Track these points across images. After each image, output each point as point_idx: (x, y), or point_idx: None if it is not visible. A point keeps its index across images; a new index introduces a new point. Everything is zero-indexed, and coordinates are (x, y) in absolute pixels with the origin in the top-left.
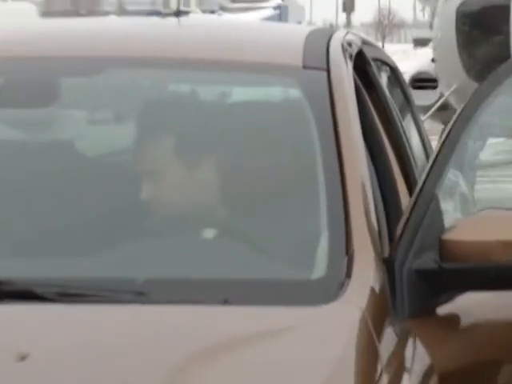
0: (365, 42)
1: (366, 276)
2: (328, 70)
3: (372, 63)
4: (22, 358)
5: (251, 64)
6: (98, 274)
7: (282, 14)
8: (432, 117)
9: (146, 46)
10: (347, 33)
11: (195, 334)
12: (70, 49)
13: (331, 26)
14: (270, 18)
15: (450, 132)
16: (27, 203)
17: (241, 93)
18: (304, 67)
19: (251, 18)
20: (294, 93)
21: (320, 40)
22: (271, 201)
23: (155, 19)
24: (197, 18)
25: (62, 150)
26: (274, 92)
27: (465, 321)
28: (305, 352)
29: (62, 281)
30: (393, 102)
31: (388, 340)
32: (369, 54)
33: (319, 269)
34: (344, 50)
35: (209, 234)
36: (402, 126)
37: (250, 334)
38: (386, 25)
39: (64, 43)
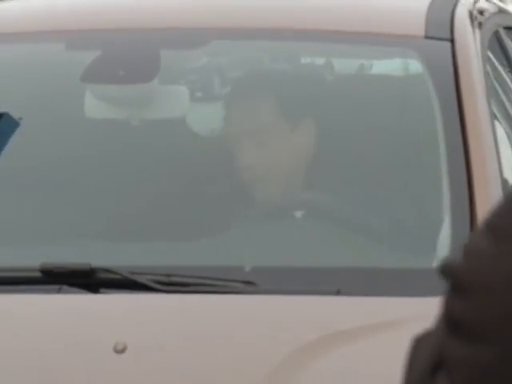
0: (500, 10)
1: None
2: (452, 40)
3: (506, 32)
4: (122, 349)
5: (369, 34)
6: (202, 261)
7: None
8: None
9: (250, 16)
10: None
11: (307, 326)
12: (169, 20)
13: None
14: None
15: None
16: (129, 186)
17: (358, 65)
18: (426, 37)
19: None
20: (415, 65)
21: (445, 7)
22: (388, 182)
23: None
24: None
25: (166, 127)
26: (394, 64)
27: None
28: None
29: (165, 269)
30: None
31: None
32: (504, 22)
33: (441, 256)
34: (472, 18)
35: (320, 219)
36: None
37: (366, 327)
38: None
39: (163, 14)
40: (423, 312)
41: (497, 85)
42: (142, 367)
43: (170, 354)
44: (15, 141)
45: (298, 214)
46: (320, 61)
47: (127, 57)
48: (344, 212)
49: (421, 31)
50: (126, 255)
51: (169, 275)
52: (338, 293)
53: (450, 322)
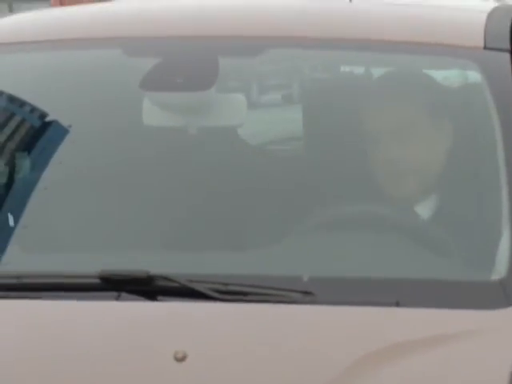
0: None
1: None
2: (511, 51)
3: None
4: (182, 357)
5: (427, 45)
6: (260, 270)
7: None
8: None
9: (306, 25)
10: None
11: (366, 337)
12: (228, 28)
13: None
14: None
15: None
16: (187, 194)
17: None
18: (485, 48)
19: None
20: (474, 76)
21: (503, 18)
22: (447, 194)
23: None
24: None
25: (226, 136)
26: (452, 75)
27: None
28: (483, 360)
29: (222, 277)
30: None
31: None
32: None
33: (499, 269)
34: None
35: (380, 230)
36: None
37: (425, 339)
38: None
39: (222, 22)
40: (481, 325)
41: None
42: (202, 375)
43: (229, 362)
44: (72, 148)
45: (357, 224)
46: (379, 71)
47: (186, 64)
48: (404, 223)
49: (480, 42)
50: (184, 263)
51: (226, 284)
52: (397, 304)
53: None
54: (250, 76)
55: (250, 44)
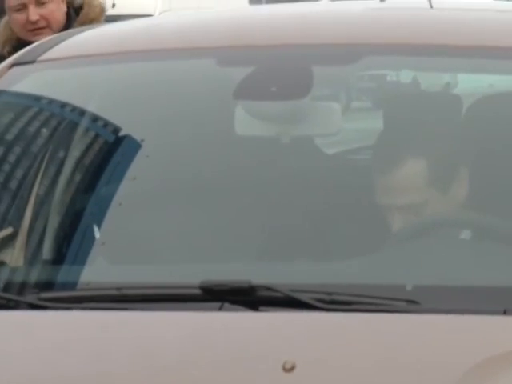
0: None
1: None
2: None
3: None
4: (291, 368)
5: (498, 49)
6: (363, 280)
7: None
8: None
9: (399, 31)
10: None
11: (472, 346)
12: (321, 36)
13: None
14: None
15: None
16: (285, 203)
17: (493, 82)
18: None
19: None
20: None
21: None
22: None
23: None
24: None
25: (309, 145)
26: None
27: None
28: None
29: (326, 287)
30: None
31: None
32: None
33: None
34: None
35: (484, 237)
36: None
37: None
38: None
39: (311, 30)
40: None
41: None
42: None
43: (337, 372)
44: (166, 158)
45: (461, 232)
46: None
47: (280, 73)
48: (508, 229)
49: None
50: (286, 273)
51: (330, 293)
52: (504, 312)
53: None
54: (344, 84)
55: (343, 51)
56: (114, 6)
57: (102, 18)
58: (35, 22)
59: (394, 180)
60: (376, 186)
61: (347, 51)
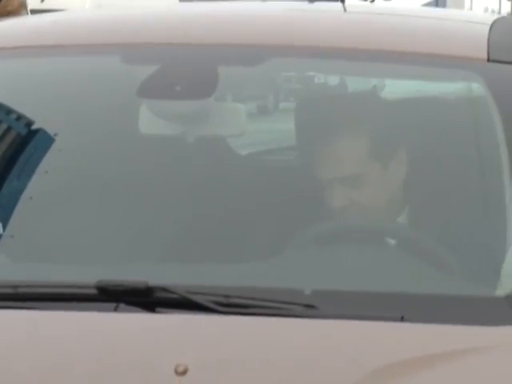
0: None
1: None
2: None
3: None
4: (183, 372)
5: (428, 56)
6: (262, 283)
7: (439, 0)
8: None
9: (310, 34)
10: None
11: (371, 352)
12: (228, 36)
13: (493, 13)
14: (427, 5)
15: None
16: (186, 204)
17: (418, 87)
18: (489, 60)
19: (410, 4)
20: (478, 89)
21: (507, 30)
22: (452, 208)
23: (304, 4)
24: (354, 5)
25: (218, 146)
26: (455, 88)
27: None
28: (488, 377)
29: (223, 289)
30: None
31: None
32: None
33: (506, 285)
34: None
35: (385, 242)
36: None
37: (431, 356)
38: None
39: (220, 30)
40: (486, 341)
41: None
42: None
43: (229, 375)
44: (67, 156)
45: (361, 237)
46: (379, 82)
47: (185, 72)
48: (408, 237)
49: (483, 54)
50: (184, 275)
51: (227, 296)
52: (402, 319)
53: None
54: (249, 85)
55: (249, 53)
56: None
57: (21, 11)
58: None
59: (333, 152)
60: (277, 189)
61: (253, 52)
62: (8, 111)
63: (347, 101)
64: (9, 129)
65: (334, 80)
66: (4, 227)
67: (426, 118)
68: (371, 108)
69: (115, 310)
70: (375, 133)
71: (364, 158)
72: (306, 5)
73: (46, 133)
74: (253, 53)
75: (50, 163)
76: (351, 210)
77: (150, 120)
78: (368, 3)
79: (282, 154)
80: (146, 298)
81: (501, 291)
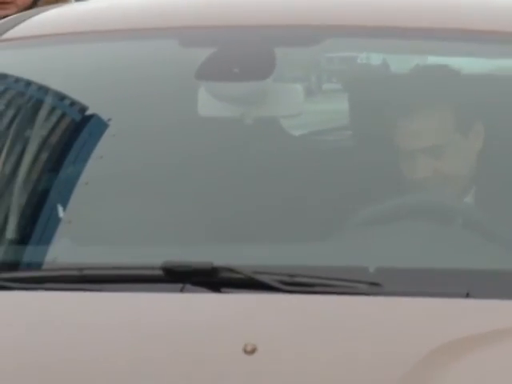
0: None
1: None
2: None
3: None
4: (251, 351)
5: (481, 33)
6: (326, 262)
7: None
8: None
9: (366, 13)
10: None
11: (435, 328)
12: (284, 17)
13: None
14: None
15: None
16: (246, 185)
17: (474, 65)
18: None
19: None
20: None
21: None
22: None
23: None
24: None
25: (274, 127)
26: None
27: None
28: None
29: (288, 268)
30: None
31: None
32: None
33: None
34: None
35: (449, 219)
36: None
37: (496, 332)
38: None
39: (275, 11)
40: None
41: None
42: (272, 368)
43: (298, 354)
44: (130, 140)
45: (425, 216)
46: (449, 60)
47: (242, 54)
48: (472, 215)
49: None
50: (248, 255)
51: (292, 275)
52: (467, 295)
53: None
54: (308, 66)
55: (307, 33)
56: None
57: None
58: None
59: (413, 125)
60: (334, 169)
61: (311, 33)
62: (66, 97)
63: (417, 76)
64: (66, 114)
65: (377, 59)
66: (64, 212)
67: (503, 95)
68: (448, 82)
69: (181, 290)
70: (455, 105)
71: (445, 128)
72: None
73: (104, 118)
74: (309, 34)
75: (114, 147)
76: (434, 181)
77: (209, 102)
78: None
79: (333, 135)
80: (211, 279)
81: None
